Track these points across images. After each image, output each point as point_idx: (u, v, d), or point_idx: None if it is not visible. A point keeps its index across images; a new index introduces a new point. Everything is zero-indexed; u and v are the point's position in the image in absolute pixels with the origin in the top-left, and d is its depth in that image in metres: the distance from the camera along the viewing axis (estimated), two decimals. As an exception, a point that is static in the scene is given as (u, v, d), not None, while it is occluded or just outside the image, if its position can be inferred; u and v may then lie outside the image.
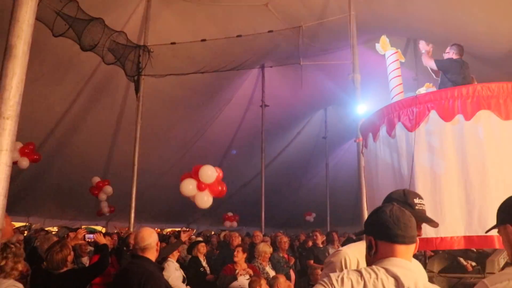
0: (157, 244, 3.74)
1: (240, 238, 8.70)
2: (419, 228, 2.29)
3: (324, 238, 9.83)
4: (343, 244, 6.75)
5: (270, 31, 9.66)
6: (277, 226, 18.46)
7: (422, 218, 2.34)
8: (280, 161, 17.61)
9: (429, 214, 4.22)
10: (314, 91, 13.60)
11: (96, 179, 13.33)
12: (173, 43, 9.82)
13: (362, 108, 6.74)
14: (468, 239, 4.06)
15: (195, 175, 8.54)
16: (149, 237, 3.69)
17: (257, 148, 13.92)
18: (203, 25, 10.50)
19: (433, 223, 2.38)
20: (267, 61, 13.15)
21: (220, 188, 8.84)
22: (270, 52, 12.12)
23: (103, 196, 13.42)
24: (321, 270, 3.30)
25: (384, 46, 6.28)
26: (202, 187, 8.54)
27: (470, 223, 4.08)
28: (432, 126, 4.38)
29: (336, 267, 2.35)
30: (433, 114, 4.35)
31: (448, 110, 4.29)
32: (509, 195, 4.16)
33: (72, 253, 4.59)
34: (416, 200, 2.38)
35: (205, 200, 8.63)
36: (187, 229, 14.30)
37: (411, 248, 1.85)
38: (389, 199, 2.40)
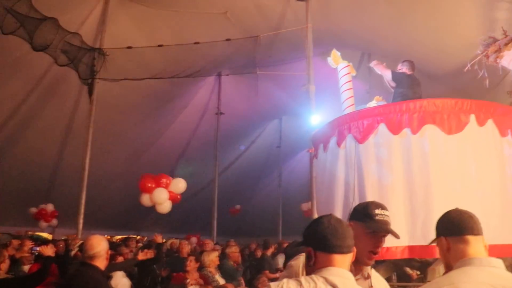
0: (106, 253, 3.65)
1: (189, 247, 8.63)
2: (381, 239, 2.32)
3: (275, 247, 9.90)
4: (287, 248, 6.81)
5: (227, 40, 9.69)
6: (228, 234, 18.39)
7: (382, 228, 2.31)
8: (234, 170, 17.61)
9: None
10: (269, 100, 13.73)
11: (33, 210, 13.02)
12: (129, 47, 9.68)
13: (316, 119, 6.86)
14: (411, 249, 4.19)
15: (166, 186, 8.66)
16: (98, 245, 3.60)
17: (211, 156, 13.88)
18: (161, 30, 10.41)
19: (394, 234, 2.35)
20: (224, 69, 13.18)
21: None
22: (227, 61, 12.15)
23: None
24: (268, 280, 3.32)
25: (336, 59, 6.43)
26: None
27: (414, 233, 4.21)
28: (381, 139, 4.50)
29: (294, 271, 2.36)
30: (382, 127, 4.48)
31: (396, 124, 4.43)
32: (451, 206, 4.33)
33: (7, 261, 4.35)
34: (377, 211, 2.34)
35: (165, 205, 8.77)
36: (138, 237, 14.07)
37: (348, 257, 1.91)
38: (352, 210, 2.44)
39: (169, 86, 11.73)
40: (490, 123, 4.63)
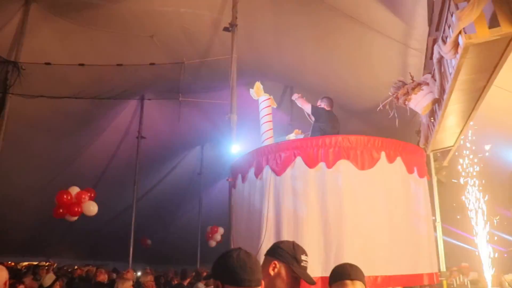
0: (5, 284, 3.36)
1: (106, 275, 8.27)
2: (300, 284, 2.36)
3: (192, 276, 9.72)
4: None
5: (152, 64, 9.58)
6: (146, 261, 17.81)
7: (304, 275, 2.39)
8: (154, 195, 17.21)
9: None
10: (192, 127, 13.67)
11: None
12: (47, 63, 9.25)
13: (236, 148, 6.90)
14: (324, 279, 4.27)
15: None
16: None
17: (131, 180, 13.46)
18: (84, 48, 10.07)
19: (311, 281, 2.42)
20: (147, 93, 12.97)
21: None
22: (151, 85, 11.99)
23: None
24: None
25: (258, 91, 6.55)
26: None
27: (327, 265, 4.31)
28: (297, 172, 4.61)
29: None
30: (299, 160, 4.60)
31: (313, 158, 4.56)
32: (362, 239, 4.51)
33: None
34: (303, 257, 2.43)
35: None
36: (48, 264, 13.22)
37: None
38: (278, 248, 2.43)
39: (89, 106, 11.33)
40: (398, 160, 4.91)
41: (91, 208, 10.69)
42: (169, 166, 17.46)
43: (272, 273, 2.31)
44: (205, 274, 9.31)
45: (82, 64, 9.28)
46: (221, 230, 17.82)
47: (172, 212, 19.10)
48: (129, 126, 14.24)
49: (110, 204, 15.39)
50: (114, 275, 9.93)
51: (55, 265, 14.60)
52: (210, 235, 17.95)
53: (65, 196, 10.63)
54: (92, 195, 11.12)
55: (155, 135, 13.77)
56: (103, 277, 7.92)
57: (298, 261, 2.37)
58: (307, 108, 6.13)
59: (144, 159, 13.65)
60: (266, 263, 2.38)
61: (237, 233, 5.47)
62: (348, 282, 2.40)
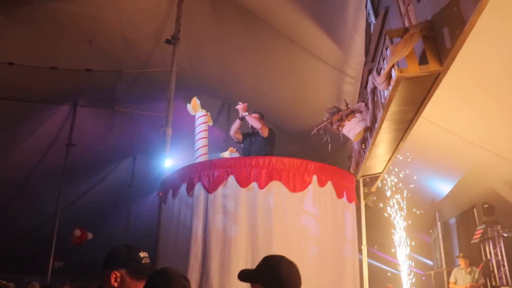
0: None
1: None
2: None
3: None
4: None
5: (88, 70, 9.27)
6: (66, 275, 16.97)
7: (150, 270, 2.16)
8: (79, 207, 16.48)
9: (216, 272, 4.36)
10: (125, 137, 13.30)
11: None
12: (-29, 59, 8.71)
13: (169, 162, 6.77)
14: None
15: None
16: None
17: (55, 189, 12.83)
18: (15, 46, 9.54)
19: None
20: (81, 99, 12.50)
21: None
22: (86, 91, 11.58)
23: None
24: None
25: (195, 107, 6.51)
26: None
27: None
28: (229, 190, 4.60)
29: None
30: (231, 179, 4.60)
31: (245, 177, 4.58)
32: (290, 259, 4.52)
33: None
34: (142, 254, 2.22)
35: None
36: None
37: None
38: (112, 257, 2.21)
39: (16, 108, 10.73)
40: (329, 184, 5.03)
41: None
42: (98, 177, 16.85)
43: (116, 284, 2.11)
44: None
45: (11, 63, 8.80)
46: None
47: (98, 225, 18.38)
48: (59, 132, 13.61)
49: (32, 213, 14.61)
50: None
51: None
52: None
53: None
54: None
55: (86, 143, 13.25)
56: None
57: (138, 260, 2.19)
58: (263, 130, 5.83)
59: (72, 167, 13.07)
60: (106, 277, 2.15)
61: (165, 250, 5.34)
62: None
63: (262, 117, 6.13)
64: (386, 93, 3.58)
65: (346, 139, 5.47)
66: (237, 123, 6.06)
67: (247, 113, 5.96)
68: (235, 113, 6.55)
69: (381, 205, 8.64)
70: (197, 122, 6.41)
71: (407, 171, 8.69)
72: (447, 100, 5.68)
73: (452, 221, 10.82)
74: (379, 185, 7.48)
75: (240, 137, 6.07)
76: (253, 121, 5.90)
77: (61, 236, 12.51)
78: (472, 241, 8.94)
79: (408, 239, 8.53)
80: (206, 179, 4.64)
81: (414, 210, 9.04)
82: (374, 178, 6.83)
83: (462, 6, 2.57)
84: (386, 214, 8.68)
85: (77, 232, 16.03)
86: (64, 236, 13.26)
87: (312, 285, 4.50)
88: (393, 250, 8.71)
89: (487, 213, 8.61)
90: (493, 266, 8.49)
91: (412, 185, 8.74)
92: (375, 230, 8.91)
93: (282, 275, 2.01)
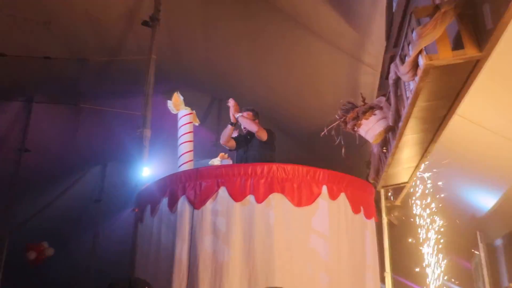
0: None
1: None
2: None
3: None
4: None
5: (46, 57, 9.26)
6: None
7: None
8: (35, 226, 16.46)
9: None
10: (92, 140, 13.30)
11: None
12: None
13: (147, 171, 6.80)
14: None
15: None
16: None
17: (1, 204, 12.81)
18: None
19: None
20: (37, 94, 12.50)
21: None
22: (43, 84, 11.57)
23: None
24: None
25: (177, 104, 6.49)
26: None
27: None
28: (220, 205, 4.62)
29: None
30: (222, 191, 4.61)
31: (240, 189, 4.59)
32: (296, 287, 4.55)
33: None
34: None
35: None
36: None
37: None
38: None
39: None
40: (343, 197, 5.04)
41: None
42: (58, 190, 16.81)
43: None
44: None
45: None
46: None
47: (58, 249, 18.36)
48: (8, 135, 13.60)
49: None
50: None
51: None
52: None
53: None
54: None
55: (43, 148, 13.24)
56: None
57: None
58: (261, 134, 5.84)
59: (25, 178, 13.06)
60: None
61: (142, 275, 5.35)
62: None
63: (256, 115, 6.14)
64: (412, 85, 3.58)
65: (364, 141, 5.48)
66: (228, 129, 6.06)
67: (240, 114, 5.97)
68: (227, 110, 6.54)
69: (411, 219, 8.61)
70: (180, 122, 6.41)
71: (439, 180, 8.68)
72: (488, 93, 5.69)
73: (498, 242, 10.78)
74: (406, 198, 7.48)
75: (233, 144, 6.06)
76: (248, 124, 5.93)
77: (11, 263, 12.49)
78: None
79: (443, 264, 8.52)
80: (192, 192, 4.65)
81: (450, 228, 9.01)
82: (398, 189, 6.83)
83: (508, -24, 2.53)
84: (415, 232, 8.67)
85: (32, 254, 15.93)
86: (15, 262, 13.23)
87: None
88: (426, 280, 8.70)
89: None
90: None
91: (445, 196, 8.71)
92: (401, 253, 8.90)
93: None
